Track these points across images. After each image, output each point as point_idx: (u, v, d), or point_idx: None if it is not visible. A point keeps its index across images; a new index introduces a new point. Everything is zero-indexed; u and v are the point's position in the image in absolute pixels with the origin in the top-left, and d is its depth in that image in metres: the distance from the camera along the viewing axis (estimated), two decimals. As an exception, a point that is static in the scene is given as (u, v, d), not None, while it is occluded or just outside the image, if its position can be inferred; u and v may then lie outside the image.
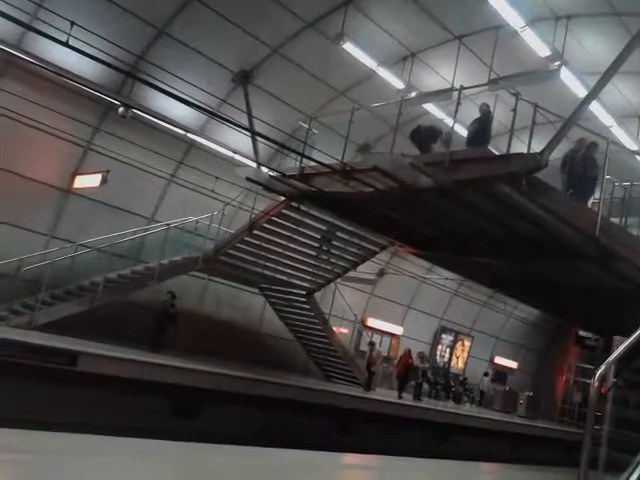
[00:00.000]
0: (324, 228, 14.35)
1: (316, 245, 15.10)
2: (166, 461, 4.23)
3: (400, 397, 17.94)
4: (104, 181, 13.49)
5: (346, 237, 14.78)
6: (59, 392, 10.08)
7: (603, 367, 4.22)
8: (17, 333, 10.77)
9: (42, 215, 14.46)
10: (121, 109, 12.73)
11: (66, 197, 14.74)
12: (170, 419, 11.65)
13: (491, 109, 10.93)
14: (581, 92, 13.51)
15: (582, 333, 26.77)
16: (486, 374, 25.72)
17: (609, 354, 4.50)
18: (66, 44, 8.04)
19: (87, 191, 14.44)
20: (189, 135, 15.44)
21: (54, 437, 3.98)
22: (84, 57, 8.43)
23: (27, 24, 9.18)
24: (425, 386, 20.97)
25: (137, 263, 15.47)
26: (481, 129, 10.63)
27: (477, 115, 10.99)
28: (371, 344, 19.24)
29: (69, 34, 8.22)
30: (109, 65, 9.33)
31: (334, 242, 15.08)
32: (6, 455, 3.34)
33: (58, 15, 8.80)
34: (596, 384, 4.15)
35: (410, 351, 19.48)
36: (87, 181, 14.11)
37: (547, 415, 25.61)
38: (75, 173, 14.55)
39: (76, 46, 8.13)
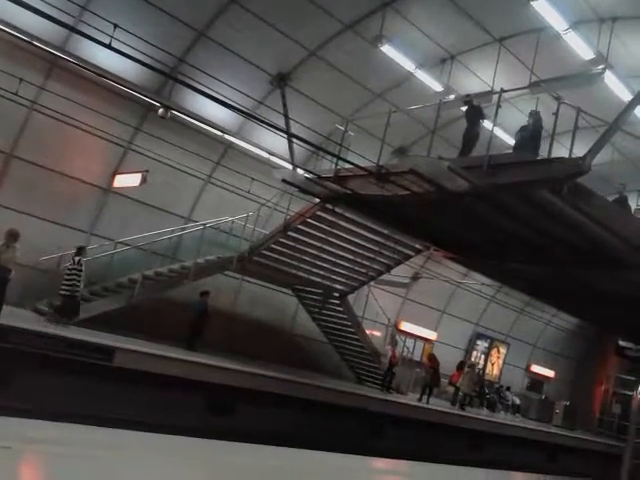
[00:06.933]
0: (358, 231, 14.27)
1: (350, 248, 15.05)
2: (198, 459, 4.25)
3: (420, 400, 17.55)
4: (144, 180, 13.70)
5: (380, 240, 14.70)
6: (94, 387, 10.28)
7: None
8: (56, 328, 11.02)
9: (83, 213, 14.82)
10: (161, 110, 12.97)
11: (106, 196, 15.06)
12: (205, 416, 11.78)
13: (542, 116, 10.24)
14: (626, 96, 13.14)
15: (622, 343, 26.03)
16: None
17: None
18: (109, 46, 8.16)
19: (127, 190, 14.73)
20: (226, 137, 15.58)
21: (88, 430, 4.05)
22: (126, 59, 8.57)
23: (71, 26, 9.36)
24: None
25: (174, 261, 15.69)
26: (530, 138, 10.09)
27: (520, 119, 10.65)
28: (393, 343, 18.38)
29: (112, 36, 8.36)
30: (150, 67, 9.46)
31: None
32: (42, 447, 3.41)
33: (101, 18, 8.97)
34: (639, 397, 4.02)
35: (434, 356, 19.14)
36: (127, 180, 14.38)
37: (584, 426, 24.98)
38: (115, 172, 14.86)
39: (118, 48, 8.25)
